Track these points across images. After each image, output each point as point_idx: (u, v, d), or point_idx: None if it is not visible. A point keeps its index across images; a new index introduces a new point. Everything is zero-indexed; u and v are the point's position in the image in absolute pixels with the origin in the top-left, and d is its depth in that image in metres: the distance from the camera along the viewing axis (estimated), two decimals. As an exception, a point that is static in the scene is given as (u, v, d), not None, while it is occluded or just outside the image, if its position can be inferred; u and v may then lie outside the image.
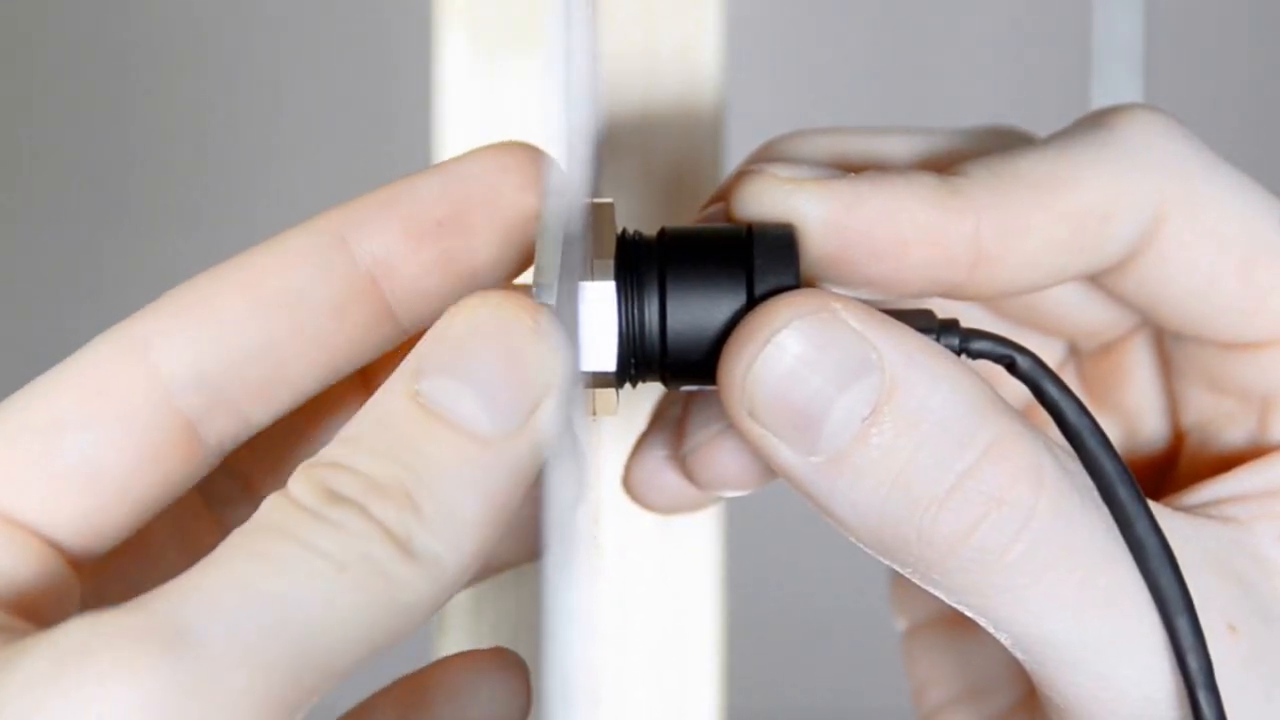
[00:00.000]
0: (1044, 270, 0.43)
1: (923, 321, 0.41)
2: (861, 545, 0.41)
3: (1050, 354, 0.48)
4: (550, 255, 0.39)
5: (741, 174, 0.43)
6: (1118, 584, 0.40)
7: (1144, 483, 0.45)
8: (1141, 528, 0.40)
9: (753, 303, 0.40)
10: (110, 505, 0.38)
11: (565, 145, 0.39)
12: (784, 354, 0.40)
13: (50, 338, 0.99)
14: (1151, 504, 0.41)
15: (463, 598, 0.52)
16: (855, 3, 1.03)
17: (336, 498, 0.36)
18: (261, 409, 0.40)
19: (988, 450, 0.40)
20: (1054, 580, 0.40)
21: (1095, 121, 0.44)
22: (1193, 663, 0.40)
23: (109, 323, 0.39)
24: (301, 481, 0.37)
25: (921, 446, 0.40)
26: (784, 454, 0.40)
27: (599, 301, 0.40)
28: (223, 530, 0.42)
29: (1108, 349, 0.47)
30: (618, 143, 0.51)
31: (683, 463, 0.46)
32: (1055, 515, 0.40)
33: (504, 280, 0.41)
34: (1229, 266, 0.43)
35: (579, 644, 0.37)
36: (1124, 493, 0.40)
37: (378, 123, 1.02)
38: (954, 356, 0.41)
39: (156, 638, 0.34)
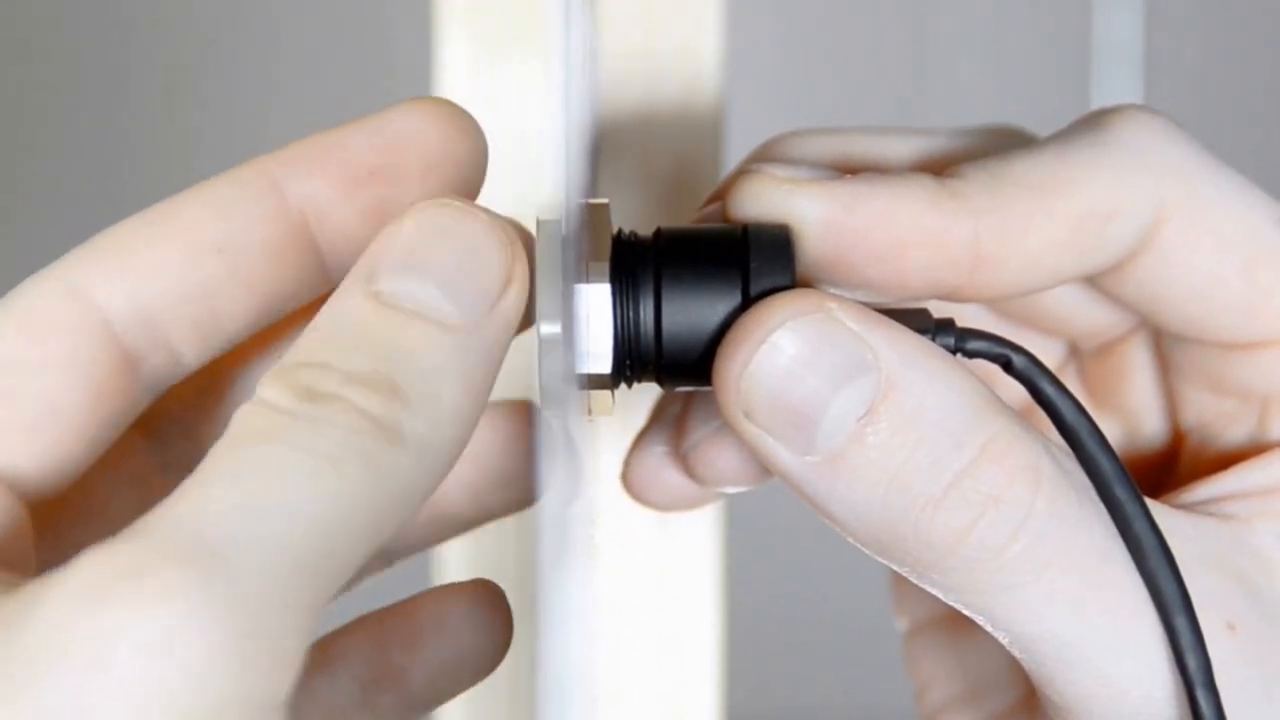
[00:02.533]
0: (1044, 272, 0.43)
1: (919, 320, 0.41)
2: (858, 545, 0.41)
3: (1050, 354, 0.48)
4: (551, 285, 0.39)
5: (739, 174, 0.43)
6: (1115, 582, 0.40)
7: (1144, 483, 0.45)
8: (1139, 526, 0.40)
9: (748, 303, 0.40)
10: (67, 445, 0.38)
11: (564, 145, 0.39)
12: (779, 354, 0.40)
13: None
14: (1150, 502, 0.41)
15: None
16: (855, 3, 1.03)
17: (316, 394, 0.36)
18: (194, 349, 0.40)
19: (985, 449, 0.40)
20: (1052, 579, 0.40)
21: (1093, 123, 0.44)
22: (1191, 661, 0.40)
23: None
24: (275, 385, 0.36)
25: (918, 446, 0.40)
26: (780, 454, 0.40)
27: (594, 303, 0.40)
28: (166, 472, 0.42)
29: (1107, 349, 0.47)
30: (618, 143, 0.51)
31: (683, 459, 0.46)
32: (1052, 514, 0.40)
33: None
34: (1231, 267, 0.43)
35: (575, 644, 0.37)
36: (1121, 491, 0.40)
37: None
38: (951, 356, 0.40)
39: (179, 560, 0.34)
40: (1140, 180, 0.43)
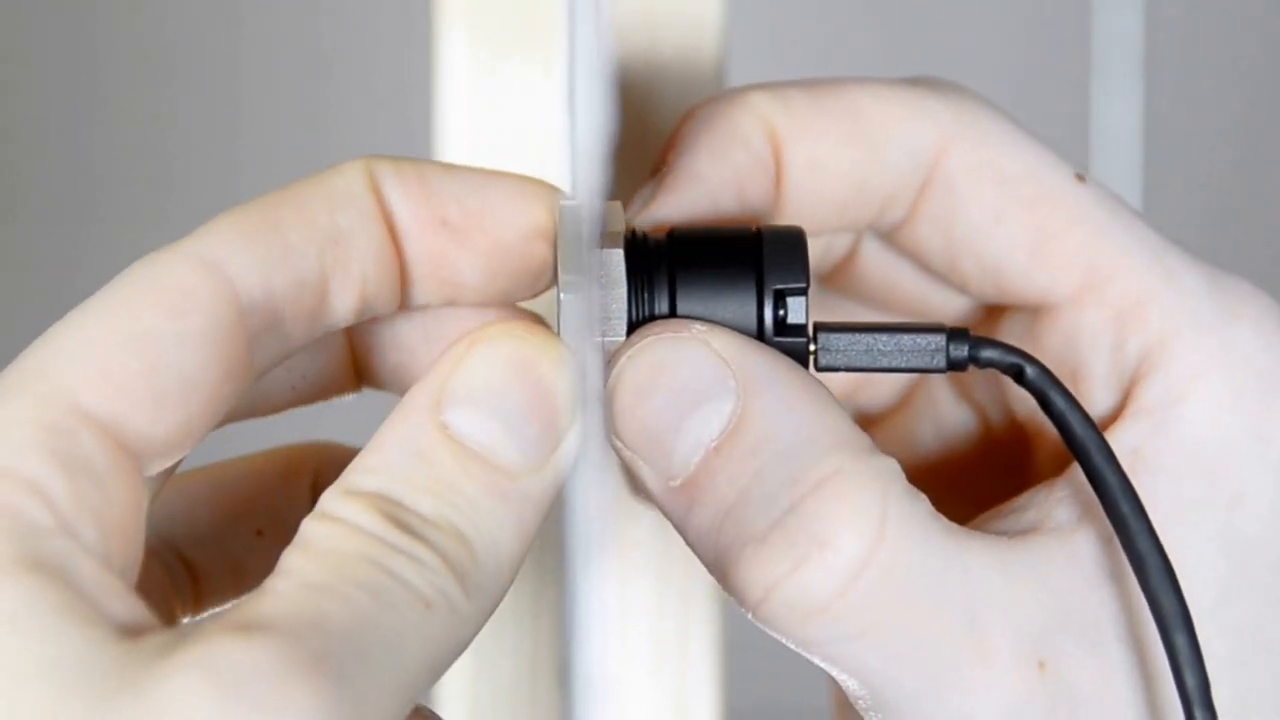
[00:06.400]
0: (834, 182, 0.43)
1: (933, 329, 0.41)
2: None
3: None
4: (573, 253, 0.39)
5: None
6: (947, 636, 0.39)
7: (999, 477, 0.45)
8: (1143, 544, 0.40)
9: (761, 303, 0.41)
10: (195, 420, 0.38)
11: (571, 146, 0.39)
12: (635, 370, 0.39)
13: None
14: (960, 531, 0.40)
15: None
16: (855, 3, 1.03)
17: (409, 531, 0.36)
18: (302, 336, 0.40)
19: (820, 486, 0.39)
20: (882, 635, 0.39)
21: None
22: (1190, 680, 0.40)
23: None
24: (357, 507, 0.37)
25: (756, 477, 0.39)
26: (648, 476, 0.40)
27: (611, 290, 0.40)
28: (167, 608, 0.42)
29: None
30: (619, 143, 0.51)
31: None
32: (894, 567, 0.39)
33: (480, 299, 0.41)
34: (1015, 204, 0.43)
35: (605, 643, 0.37)
36: (1126, 507, 0.40)
37: (377, 123, 1.02)
38: (821, 387, 0.40)
39: (305, 666, 0.34)
40: (922, 106, 0.43)
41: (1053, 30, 1.00)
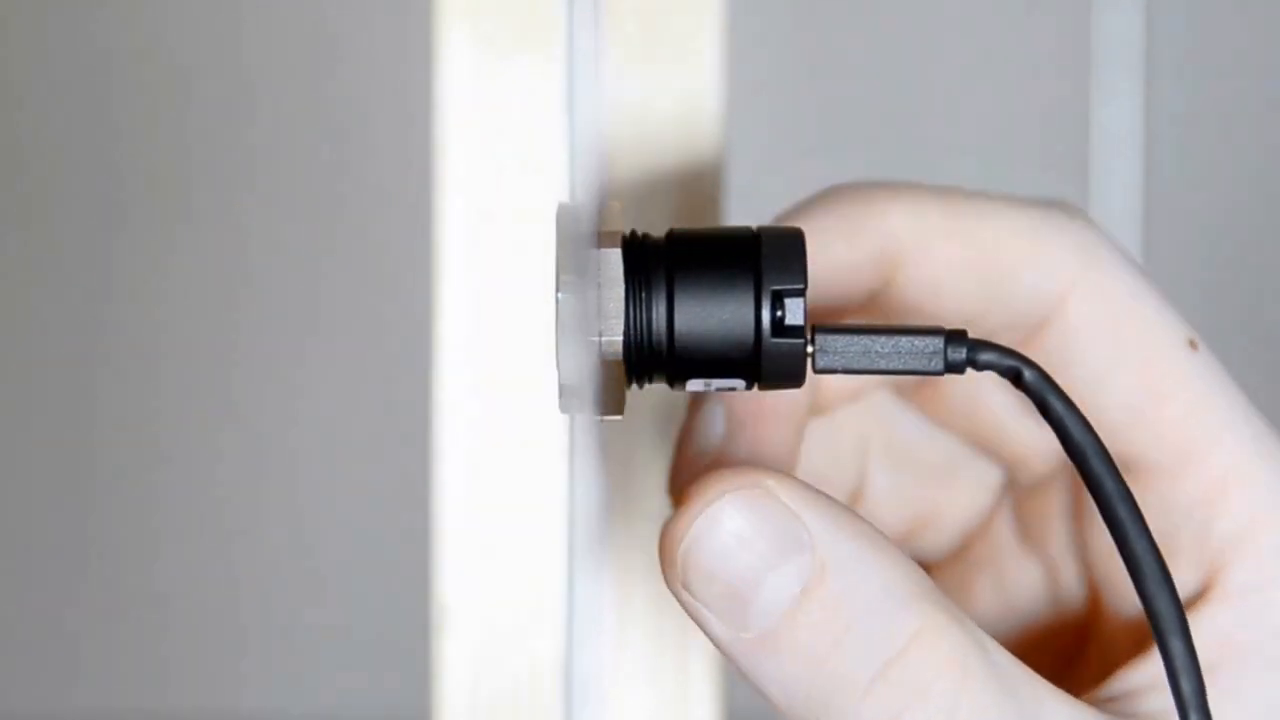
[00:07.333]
0: (948, 303, 0.44)
1: (931, 331, 0.41)
2: None
3: (988, 483, 0.48)
4: (570, 254, 0.39)
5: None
6: None
7: (1064, 644, 0.45)
8: (1140, 548, 0.40)
9: (759, 304, 0.41)
10: None
11: (569, 147, 0.39)
12: (717, 529, 0.40)
13: (51, 340, 0.99)
14: (1062, 696, 0.41)
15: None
16: (855, 4, 1.03)
17: None
18: None
19: (915, 638, 0.40)
20: None
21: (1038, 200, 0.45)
22: (1185, 686, 0.40)
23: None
24: None
25: (848, 630, 0.40)
26: (715, 627, 0.40)
27: (608, 291, 0.40)
28: None
29: (1039, 487, 0.47)
30: (617, 154, 0.51)
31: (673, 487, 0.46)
32: (974, 709, 0.40)
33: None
34: (1126, 364, 0.43)
35: (602, 644, 0.37)
36: (1124, 512, 0.40)
37: (378, 123, 1.02)
38: (884, 537, 0.41)
39: None
40: (1052, 250, 0.43)
41: (1053, 30, 1.00)
